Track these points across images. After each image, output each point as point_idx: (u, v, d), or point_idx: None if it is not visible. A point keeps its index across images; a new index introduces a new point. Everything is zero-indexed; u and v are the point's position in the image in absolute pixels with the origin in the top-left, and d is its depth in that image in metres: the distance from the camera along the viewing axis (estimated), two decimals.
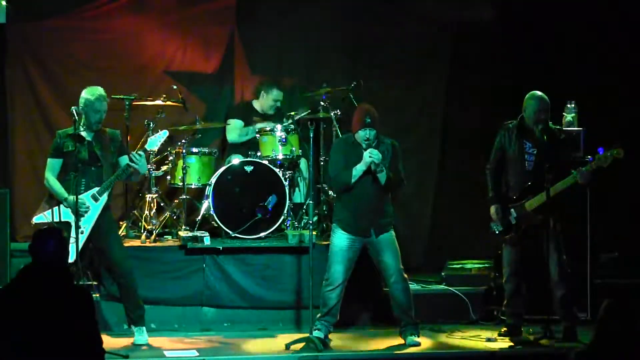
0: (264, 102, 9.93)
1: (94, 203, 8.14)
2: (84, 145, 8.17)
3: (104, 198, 8.16)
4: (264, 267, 9.01)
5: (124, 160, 8.28)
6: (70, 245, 7.97)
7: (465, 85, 10.39)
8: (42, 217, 8.12)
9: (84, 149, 8.16)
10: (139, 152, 8.20)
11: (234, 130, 9.83)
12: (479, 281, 9.35)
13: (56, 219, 8.01)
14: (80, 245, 8.07)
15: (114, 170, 8.21)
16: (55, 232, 5.65)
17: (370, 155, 7.95)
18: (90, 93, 8.20)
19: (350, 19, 10.36)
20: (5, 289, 5.53)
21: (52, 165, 8.17)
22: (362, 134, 8.05)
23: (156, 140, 8.40)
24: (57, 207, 8.05)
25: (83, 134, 8.19)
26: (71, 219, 8.06)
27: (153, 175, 9.47)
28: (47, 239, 5.53)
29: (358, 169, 7.99)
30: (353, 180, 8.02)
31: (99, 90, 8.24)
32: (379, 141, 8.15)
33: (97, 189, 8.14)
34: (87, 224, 8.12)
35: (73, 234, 8.05)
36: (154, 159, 9.42)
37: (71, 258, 8.07)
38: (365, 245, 8.21)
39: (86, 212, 8.09)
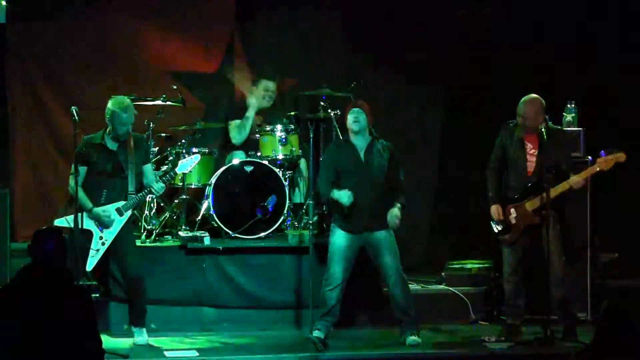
0: (256, 96, 9.90)
1: (118, 217, 8.12)
2: (108, 156, 8.13)
3: (128, 213, 8.15)
4: (264, 267, 9.00)
5: (148, 168, 8.29)
6: (90, 254, 8.06)
7: (465, 85, 10.39)
8: (64, 222, 8.09)
9: (108, 160, 8.12)
10: (163, 180, 8.19)
11: (234, 129, 9.81)
12: (479, 281, 9.35)
13: (78, 226, 7.89)
14: (100, 255, 8.09)
15: (139, 180, 8.20)
16: (54, 232, 5.64)
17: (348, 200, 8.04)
18: (117, 105, 8.10)
19: (350, 19, 10.35)
20: (4, 289, 5.52)
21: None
22: (350, 118, 8.15)
23: (187, 165, 8.41)
24: (79, 214, 7.87)
25: (108, 144, 8.16)
26: (93, 227, 8.06)
27: None
28: (46, 239, 5.52)
29: (335, 195, 8.07)
30: (328, 197, 8.15)
31: (126, 102, 8.16)
32: (374, 140, 8.18)
33: (123, 203, 8.12)
34: (109, 236, 8.11)
35: (93, 245, 8.06)
36: (154, 160, 9.42)
37: (89, 267, 8.11)
38: (364, 246, 8.22)
39: (109, 224, 8.08)
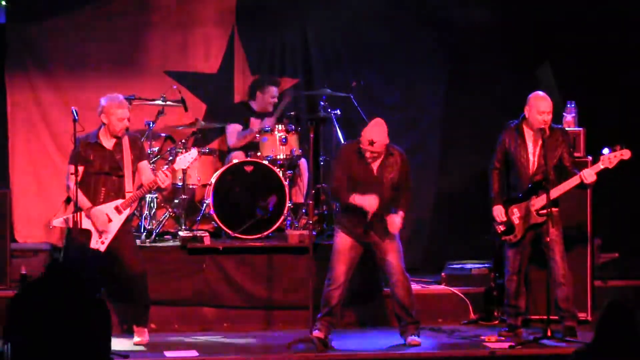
0: (261, 101, 9.90)
1: (117, 215, 8.12)
2: (105, 155, 8.13)
3: (127, 211, 8.14)
4: (264, 267, 9.01)
5: (145, 165, 8.27)
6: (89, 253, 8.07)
7: (465, 85, 10.38)
8: (62, 222, 8.10)
9: (104, 158, 8.11)
10: (167, 172, 8.14)
11: (233, 134, 9.81)
12: (479, 281, 9.34)
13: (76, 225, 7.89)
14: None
15: (135, 178, 8.20)
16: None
17: (371, 206, 7.97)
18: (111, 102, 8.10)
19: (350, 20, 10.35)
20: (27, 290, 5.45)
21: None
22: (367, 150, 8.05)
23: (185, 160, 8.37)
24: (77, 213, 7.86)
25: (104, 142, 8.16)
26: (92, 227, 8.05)
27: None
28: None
29: (357, 201, 8.00)
30: (347, 202, 8.05)
31: (120, 98, 8.17)
32: (387, 152, 8.13)
33: (121, 201, 8.11)
34: (108, 236, 8.09)
35: (92, 245, 8.05)
36: (154, 160, 9.42)
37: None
38: (368, 245, 8.21)
39: (105, 224, 8.06)
